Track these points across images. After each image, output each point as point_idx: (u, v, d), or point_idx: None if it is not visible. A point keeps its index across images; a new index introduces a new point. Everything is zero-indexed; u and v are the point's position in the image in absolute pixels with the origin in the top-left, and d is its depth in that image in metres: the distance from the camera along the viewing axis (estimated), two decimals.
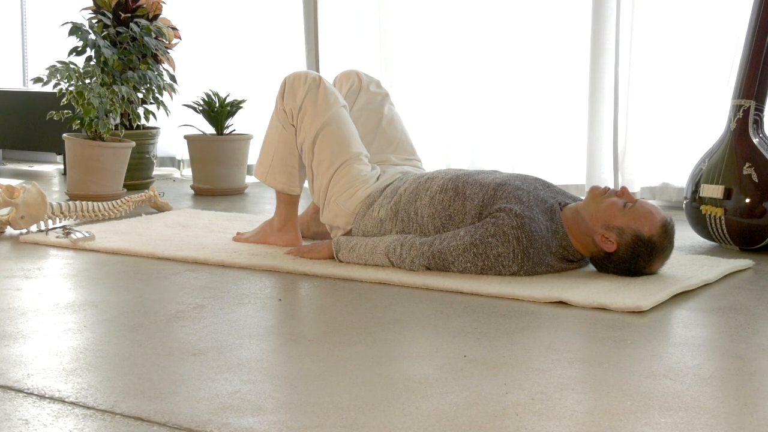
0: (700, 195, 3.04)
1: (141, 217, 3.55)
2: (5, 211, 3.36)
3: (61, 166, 5.37)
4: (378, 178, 2.87)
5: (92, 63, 4.19)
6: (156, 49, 4.36)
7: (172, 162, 5.29)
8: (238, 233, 3.13)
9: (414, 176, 2.83)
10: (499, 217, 2.53)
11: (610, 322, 2.16)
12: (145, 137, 4.47)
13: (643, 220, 2.50)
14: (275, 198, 3.03)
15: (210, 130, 4.48)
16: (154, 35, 4.35)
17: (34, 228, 3.31)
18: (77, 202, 3.40)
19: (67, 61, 4.11)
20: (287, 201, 2.98)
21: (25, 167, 5.55)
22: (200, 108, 4.42)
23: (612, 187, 3.92)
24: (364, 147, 2.93)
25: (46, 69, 4.06)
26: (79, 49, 4.23)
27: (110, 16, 4.38)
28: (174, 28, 4.66)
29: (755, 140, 2.99)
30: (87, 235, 3.08)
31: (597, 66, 3.98)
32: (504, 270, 2.53)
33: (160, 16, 4.55)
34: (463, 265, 2.55)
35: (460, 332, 2.07)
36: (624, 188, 2.57)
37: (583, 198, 2.66)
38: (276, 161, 2.94)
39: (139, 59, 4.30)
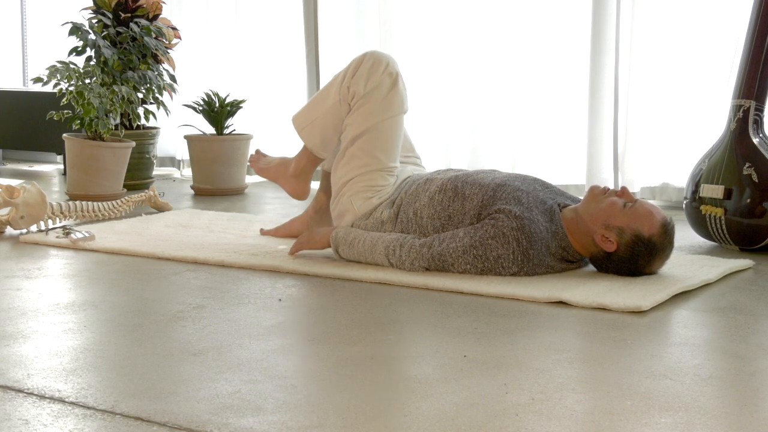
0: (700, 195, 3.04)
1: (141, 217, 3.55)
2: (5, 211, 3.36)
3: (61, 166, 5.37)
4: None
5: (92, 63, 4.19)
6: (156, 49, 4.36)
7: (172, 162, 5.28)
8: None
9: (414, 178, 2.82)
10: (499, 218, 2.52)
11: (610, 322, 2.16)
12: (145, 137, 4.47)
13: (643, 220, 2.50)
14: (299, 148, 2.97)
15: (210, 130, 4.48)
16: (154, 35, 4.35)
17: (34, 228, 3.30)
18: (77, 202, 3.40)
19: (67, 61, 4.11)
20: (310, 158, 2.96)
21: (25, 167, 5.55)
22: (200, 108, 4.42)
23: (612, 187, 3.92)
24: (396, 158, 2.89)
25: (46, 69, 4.06)
26: (79, 49, 4.23)
27: (110, 16, 4.38)
28: (174, 28, 4.66)
29: (755, 140, 2.99)
30: (87, 235, 3.08)
31: (597, 66, 3.98)
32: (504, 271, 2.53)
33: (160, 16, 4.55)
34: (463, 266, 2.54)
35: (460, 332, 2.07)
36: (624, 188, 2.57)
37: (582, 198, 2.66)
38: (318, 123, 2.88)
39: (139, 59, 4.30)
